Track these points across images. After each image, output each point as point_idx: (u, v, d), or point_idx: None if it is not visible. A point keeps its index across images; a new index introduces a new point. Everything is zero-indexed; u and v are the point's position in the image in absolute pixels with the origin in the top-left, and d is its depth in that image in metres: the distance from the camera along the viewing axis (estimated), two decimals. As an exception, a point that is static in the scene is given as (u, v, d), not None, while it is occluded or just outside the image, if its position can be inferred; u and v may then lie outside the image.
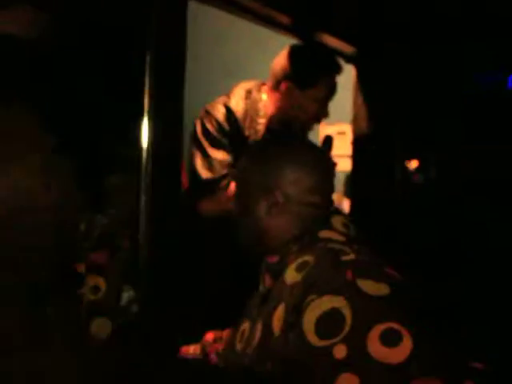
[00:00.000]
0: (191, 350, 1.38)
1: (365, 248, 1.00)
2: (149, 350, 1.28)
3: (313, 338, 0.82)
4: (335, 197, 1.17)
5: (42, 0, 1.12)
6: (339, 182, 2.93)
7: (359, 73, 2.25)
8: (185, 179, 1.90)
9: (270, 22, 1.84)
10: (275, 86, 1.87)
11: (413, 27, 2.14)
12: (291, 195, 1.05)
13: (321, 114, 1.90)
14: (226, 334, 1.31)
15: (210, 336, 1.36)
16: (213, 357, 1.29)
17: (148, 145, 1.27)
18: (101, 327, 1.29)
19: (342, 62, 2.00)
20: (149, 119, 1.28)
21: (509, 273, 1.96)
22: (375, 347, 0.77)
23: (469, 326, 1.62)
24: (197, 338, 1.39)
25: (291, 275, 0.94)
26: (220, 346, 1.29)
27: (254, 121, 1.86)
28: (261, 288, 1.08)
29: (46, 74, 1.09)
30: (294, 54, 1.86)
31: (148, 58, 1.27)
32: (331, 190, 1.14)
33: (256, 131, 1.86)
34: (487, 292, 1.97)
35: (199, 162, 1.80)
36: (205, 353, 1.34)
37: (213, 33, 3.14)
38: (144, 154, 1.28)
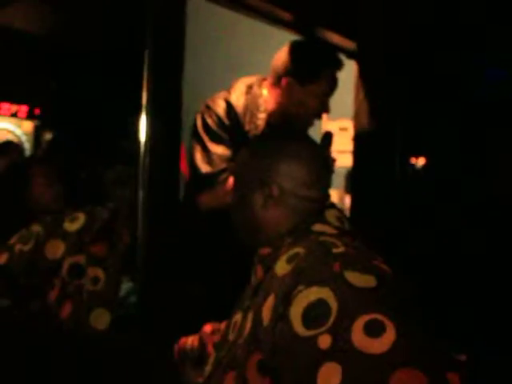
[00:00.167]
0: (189, 341, 1.39)
1: (357, 242, 1.01)
2: (147, 340, 1.30)
3: (299, 328, 0.83)
4: (337, 193, 1.18)
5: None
6: (341, 178, 2.94)
7: (360, 68, 2.26)
8: (185, 171, 1.90)
9: (271, 18, 1.85)
10: (276, 82, 1.87)
11: (414, 25, 2.14)
12: (287, 189, 1.06)
13: (321, 109, 1.90)
14: (223, 325, 1.33)
15: (208, 327, 1.38)
16: (210, 348, 1.31)
17: (146, 139, 1.29)
18: (100, 318, 1.31)
19: (343, 57, 2.00)
20: (147, 114, 1.29)
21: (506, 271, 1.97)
22: (359, 337, 0.79)
23: (454, 318, 1.63)
24: (195, 329, 1.41)
25: (282, 267, 0.96)
26: (217, 338, 1.31)
27: (254, 116, 1.86)
28: (253, 280, 1.10)
29: (46, 72, 1.11)
30: (294, 49, 1.85)
31: (146, 54, 1.28)
32: (328, 185, 1.15)
33: (256, 126, 1.86)
34: (479, 284, 1.97)
35: (199, 156, 1.80)
36: (203, 344, 1.35)
37: (215, 28, 3.15)
38: (142, 149, 1.30)
